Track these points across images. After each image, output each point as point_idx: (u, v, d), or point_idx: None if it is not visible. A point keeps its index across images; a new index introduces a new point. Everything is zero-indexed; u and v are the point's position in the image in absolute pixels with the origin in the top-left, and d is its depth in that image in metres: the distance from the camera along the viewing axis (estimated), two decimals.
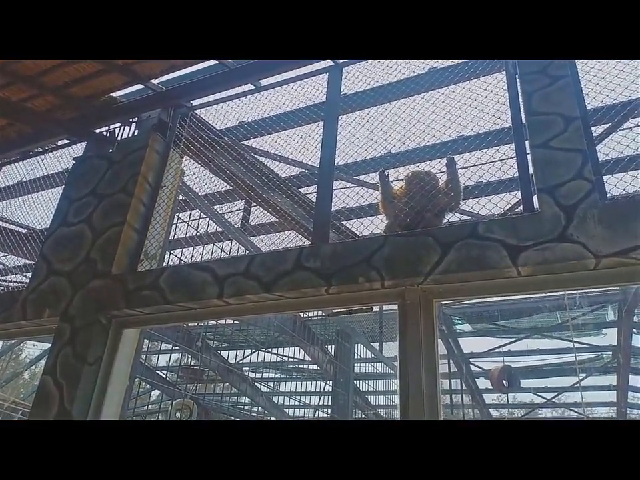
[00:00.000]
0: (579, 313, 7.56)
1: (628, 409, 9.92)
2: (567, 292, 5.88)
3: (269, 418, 8.61)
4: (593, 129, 2.28)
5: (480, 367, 10.31)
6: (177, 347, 7.64)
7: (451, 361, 9.53)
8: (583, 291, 6.66)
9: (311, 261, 2.40)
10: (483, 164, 2.64)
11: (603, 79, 2.32)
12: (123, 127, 3.57)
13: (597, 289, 7.09)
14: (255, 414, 9.48)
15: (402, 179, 2.78)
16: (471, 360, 10.03)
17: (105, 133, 3.64)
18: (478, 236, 2.12)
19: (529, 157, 2.30)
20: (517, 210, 2.46)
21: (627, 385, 9.12)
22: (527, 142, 2.34)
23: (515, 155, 2.38)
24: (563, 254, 1.96)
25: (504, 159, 2.58)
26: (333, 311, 3.52)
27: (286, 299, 2.46)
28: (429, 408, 2.02)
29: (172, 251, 3.47)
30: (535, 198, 2.19)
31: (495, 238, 2.09)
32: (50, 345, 2.81)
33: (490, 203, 2.43)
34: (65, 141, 3.99)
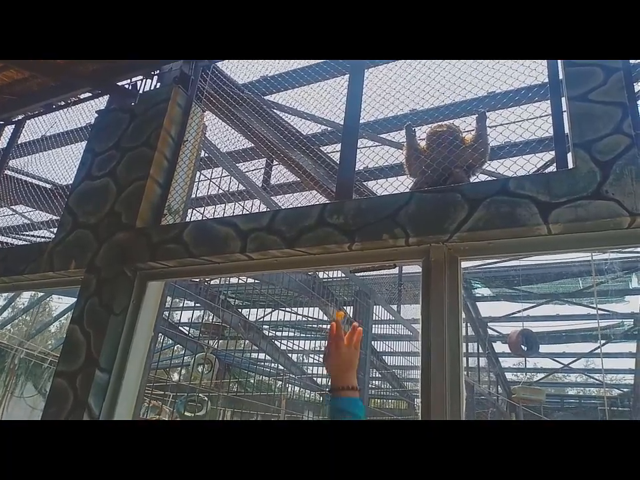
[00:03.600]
0: (603, 279, 7.44)
1: None
2: (596, 255, 5.76)
3: (287, 375, 8.82)
4: (635, 83, 2.17)
5: (498, 332, 10.33)
6: (198, 304, 7.81)
7: (468, 325, 9.57)
8: (612, 255, 6.52)
9: (334, 217, 2.37)
10: (515, 122, 2.54)
11: None
12: (144, 80, 3.52)
13: (623, 254, 6.95)
14: (273, 370, 9.72)
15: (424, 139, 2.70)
16: (489, 324, 10.04)
17: (127, 86, 3.60)
18: (508, 192, 2.05)
19: (564, 114, 2.20)
20: (550, 167, 2.38)
21: None
22: (562, 98, 2.23)
23: (549, 112, 2.29)
24: (597, 211, 1.89)
25: (537, 117, 2.48)
26: (354, 268, 3.51)
27: (309, 255, 2.45)
28: (451, 367, 2.01)
29: (195, 209, 3.48)
30: (570, 155, 2.11)
31: (526, 195, 2.02)
32: (75, 299, 2.87)
33: (522, 159, 2.34)
34: (87, 94, 3.97)
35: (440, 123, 2.68)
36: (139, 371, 2.65)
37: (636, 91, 2.16)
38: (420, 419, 1.99)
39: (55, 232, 3.33)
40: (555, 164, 2.20)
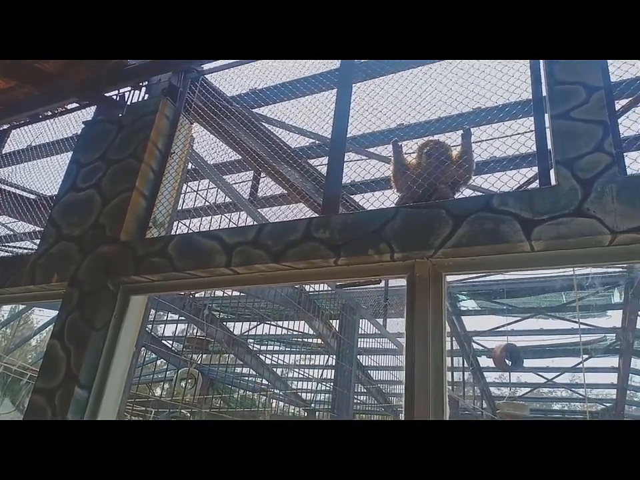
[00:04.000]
0: (585, 293, 7.53)
1: (628, 390, 9.99)
2: (578, 270, 5.84)
3: (272, 390, 8.73)
4: (615, 101, 2.22)
5: (483, 346, 10.37)
6: (183, 318, 7.72)
7: (453, 339, 9.58)
8: (594, 270, 6.62)
9: (320, 232, 2.37)
10: (499, 137, 2.58)
11: None
12: (132, 91, 3.51)
13: (605, 269, 7.05)
14: (258, 385, 9.61)
15: (414, 151, 2.73)
16: (473, 338, 10.07)
17: (114, 97, 3.59)
18: (492, 209, 2.08)
19: (547, 130, 2.24)
20: (533, 184, 2.41)
21: (628, 367, 9.16)
22: (546, 115, 2.28)
23: (532, 128, 2.33)
24: (578, 229, 1.92)
25: (521, 133, 2.52)
26: (340, 283, 3.51)
27: (294, 270, 2.44)
28: (435, 381, 2.01)
29: (181, 221, 3.46)
30: (552, 172, 2.14)
31: (509, 211, 2.05)
32: (57, 312, 2.82)
33: (505, 176, 2.37)
34: (74, 105, 3.95)
35: (432, 138, 2.71)
36: (119, 388, 2.60)
37: (617, 109, 2.21)
38: None
39: (38, 243, 3.28)
40: (537, 180, 2.24)
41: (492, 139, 2.62)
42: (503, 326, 9.33)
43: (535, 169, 2.29)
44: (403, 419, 2.02)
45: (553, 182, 2.10)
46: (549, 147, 2.21)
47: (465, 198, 2.29)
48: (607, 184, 1.95)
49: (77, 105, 3.93)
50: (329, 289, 7.23)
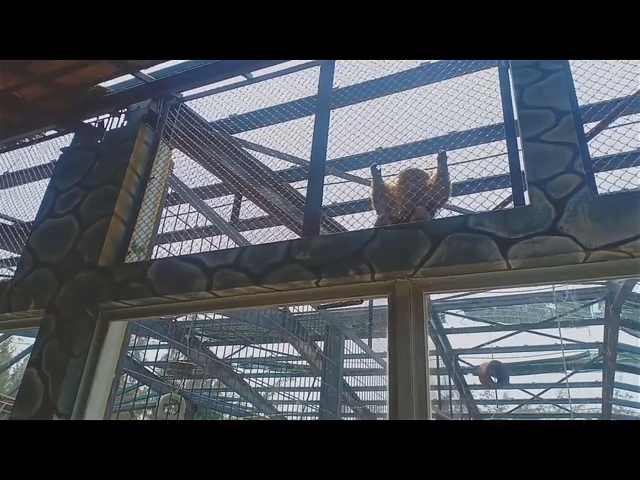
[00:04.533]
0: (568, 309, 7.63)
1: (612, 405, 10.06)
2: (556, 286, 5.93)
3: (257, 414, 8.60)
4: (584, 125, 2.29)
5: (468, 363, 10.39)
6: (164, 342, 7.60)
7: (439, 357, 9.59)
8: (572, 286, 6.72)
9: (301, 254, 2.39)
10: (474, 160, 2.65)
11: (594, 75, 2.32)
12: (111, 118, 3.52)
13: (584, 285, 7.16)
14: (243, 410, 9.45)
15: (394, 174, 2.79)
16: (459, 356, 10.09)
17: (93, 124, 3.59)
18: (468, 229, 2.12)
19: (520, 152, 2.31)
20: (508, 205, 2.46)
21: (612, 382, 9.24)
22: (518, 138, 2.34)
23: (506, 150, 2.40)
24: (553, 247, 1.96)
25: (495, 155, 2.59)
26: (322, 304, 3.51)
27: (276, 292, 2.45)
28: (418, 400, 2.02)
29: (161, 245, 3.44)
30: (526, 193, 2.20)
31: (485, 231, 2.09)
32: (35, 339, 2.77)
33: (481, 197, 2.43)
34: (53, 132, 3.93)
35: (409, 167, 2.77)
36: (99, 416, 2.54)
37: (585, 132, 2.28)
38: None
39: (15, 270, 3.22)
40: (512, 201, 2.29)
41: (467, 162, 2.69)
42: (487, 343, 9.38)
43: (509, 190, 2.35)
44: None
45: (527, 202, 2.15)
46: (522, 168, 2.27)
47: (442, 218, 2.33)
48: (578, 203, 2.01)
49: (55, 132, 3.92)
50: (313, 309, 7.21)
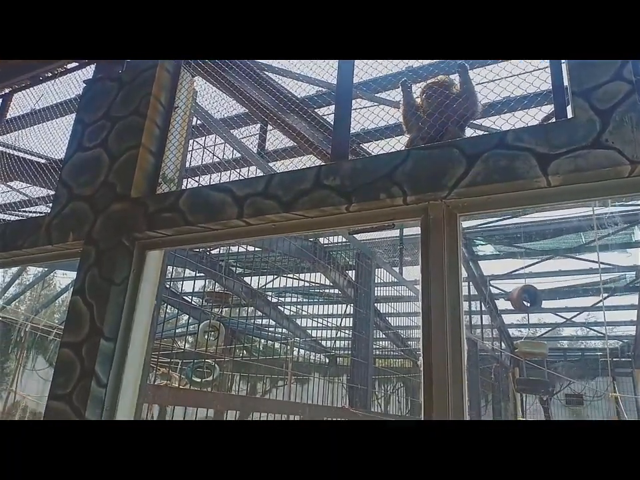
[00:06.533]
0: (605, 232, 7.43)
1: None
2: (597, 210, 5.73)
3: (293, 339, 8.94)
4: None
5: (500, 289, 10.41)
6: (201, 274, 7.85)
7: (470, 283, 9.63)
8: (611, 209, 6.49)
9: (330, 179, 2.34)
10: (514, 75, 2.47)
11: None
12: None
13: (625, 207, 6.91)
14: (279, 335, 9.86)
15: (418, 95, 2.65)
16: (491, 282, 10.10)
17: None
18: (506, 145, 2.01)
19: (562, 64, 2.14)
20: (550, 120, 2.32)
21: None
22: None
23: (541, 65, 2.23)
24: (596, 161, 1.86)
25: (538, 69, 2.41)
26: (352, 230, 3.49)
27: (306, 219, 2.43)
28: (451, 323, 2.02)
29: (190, 178, 3.44)
30: (569, 106, 2.06)
31: (524, 147, 1.98)
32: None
33: (521, 114, 2.28)
34: (74, 64, 3.87)
35: (434, 78, 2.61)
36: (143, 338, 2.67)
37: None
38: (422, 376, 2.00)
39: (51, 205, 3.30)
40: (554, 117, 2.15)
41: (507, 77, 2.52)
42: (520, 269, 9.31)
43: (548, 108, 2.21)
44: (421, 362, 2.03)
45: (570, 115, 2.02)
46: (565, 81, 2.11)
47: (478, 136, 2.22)
48: (626, 113, 1.87)
49: (77, 64, 3.85)
50: (344, 240, 7.24)
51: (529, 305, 7.65)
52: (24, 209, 5.02)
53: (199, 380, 7.18)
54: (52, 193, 4.54)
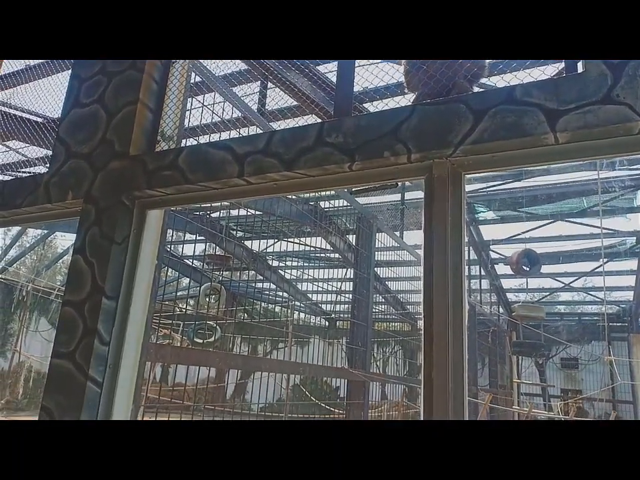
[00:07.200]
0: (607, 197, 7.38)
1: None
2: (602, 174, 5.67)
3: (293, 302, 9.03)
4: None
5: (500, 254, 10.43)
6: (201, 237, 7.84)
7: (470, 248, 9.64)
8: (616, 173, 6.42)
9: (333, 136, 2.29)
10: None
11: None
12: None
13: (628, 173, 6.84)
14: (280, 298, 9.94)
15: None
16: (491, 246, 10.12)
17: None
18: (515, 101, 1.96)
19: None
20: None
21: None
22: None
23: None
24: (606, 116, 1.81)
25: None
26: (356, 189, 3.46)
27: (308, 177, 2.39)
28: (453, 284, 2.01)
29: (191, 137, 3.37)
30: (579, 64, 1.99)
31: (533, 102, 1.92)
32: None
33: (530, 75, 2.21)
34: None
35: None
36: (145, 298, 2.68)
37: None
38: (422, 337, 2.01)
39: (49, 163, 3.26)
40: (564, 73, 2.09)
41: None
42: (521, 233, 9.31)
43: (559, 66, 2.14)
44: (422, 324, 2.04)
45: (580, 70, 1.96)
46: None
47: (486, 90, 2.16)
48: (639, 67, 1.81)
49: None
50: (346, 204, 7.20)
51: (528, 269, 7.68)
52: (22, 170, 4.97)
53: (200, 341, 7.28)
54: (49, 153, 4.47)
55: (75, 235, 2.79)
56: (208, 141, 3.40)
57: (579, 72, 1.97)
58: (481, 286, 10.36)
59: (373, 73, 2.79)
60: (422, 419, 1.92)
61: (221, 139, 3.22)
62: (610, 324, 11.39)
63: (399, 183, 2.38)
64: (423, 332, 2.01)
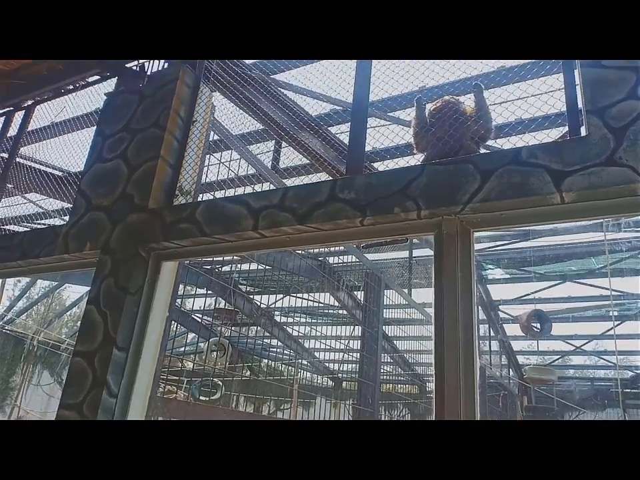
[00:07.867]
0: (616, 258, 7.37)
1: None
2: (609, 235, 5.71)
3: (298, 360, 8.88)
4: None
5: (509, 314, 10.29)
6: (210, 292, 7.86)
7: (479, 307, 9.54)
8: (624, 234, 6.46)
9: (345, 192, 2.37)
10: (525, 97, 2.51)
11: None
12: (152, 61, 3.52)
13: (637, 233, 6.87)
14: (285, 356, 9.78)
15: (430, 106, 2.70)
16: (500, 307, 10.01)
17: (134, 67, 3.61)
18: (520, 162, 2.04)
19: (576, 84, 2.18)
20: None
21: None
22: (575, 70, 2.21)
23: (554, 87, 2.28)
24: (610, 178, 1.88)
25: (547, 92, 2.45)
26: (365, 244, 3.51)
27: (320, 231, 2.46)
28: (464, 338, 2.01)
29: (207, 192, 3.48)
30: (583, 123, 2.09)
31: (538, 163, 2.01)
32: (88, 287, 2.90)
33: (537, 136, 2.31)
34: (96, 77, 3.98)
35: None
36: (155, 349, 2.69)
37: None
38: (434, 397, 1.99)
39: (66, 220, 3.36)
40: (568, 136, 2.18)
41: (517, 99, 2.56)
42: (530, 293, 9.23)
43: (562, 129, 2.24)
44: (433, 386, 2.02)
45: (584, 133, 2.05)
46: (579, 100, 2.15)
47: (493, 152, 2.26)
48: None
49: (99, 77, 3.96)
50: (354, 259, 7.24)
51: (538, 329, 7.55)
52: (39, 222, 5.09)
53: (205, 398, 7.13)
54: (66, 205, 4.60)
55: (84, 287, 2.84)
56: (224, 196, 3.51)
57: (582, 135, 2.06)
58: (490, 347, 10.16)
59: (384, 134, 2.93)
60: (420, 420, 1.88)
61: (236, 194, 3.33)
62: (624, 390, 11.02)
63: (408, 239, 2.43)
64: (434, 393, 1.99)
